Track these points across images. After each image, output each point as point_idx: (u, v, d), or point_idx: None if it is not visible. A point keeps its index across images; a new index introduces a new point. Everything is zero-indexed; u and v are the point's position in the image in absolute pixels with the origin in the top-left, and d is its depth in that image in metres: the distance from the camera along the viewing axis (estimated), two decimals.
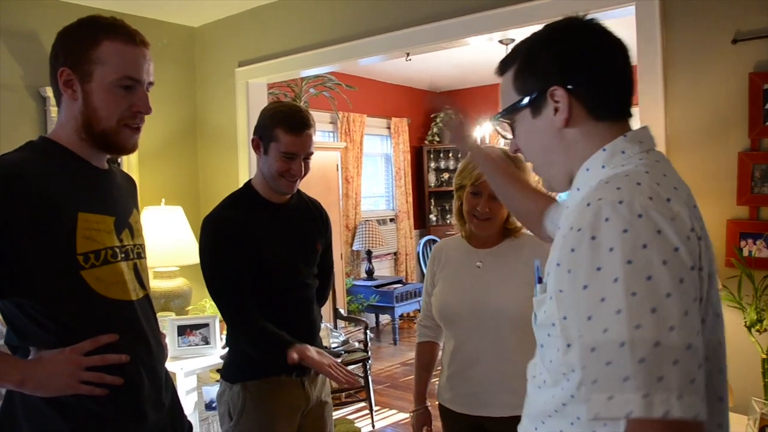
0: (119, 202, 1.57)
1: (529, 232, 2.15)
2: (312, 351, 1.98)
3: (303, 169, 2.08)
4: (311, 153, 2.10)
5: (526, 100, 1.10)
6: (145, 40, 1.49)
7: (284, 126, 2.03)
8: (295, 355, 1.93)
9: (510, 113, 1.14)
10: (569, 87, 1.06)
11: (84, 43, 1.42)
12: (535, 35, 1.13)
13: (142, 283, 1.57)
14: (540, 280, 1.11)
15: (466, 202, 2.05)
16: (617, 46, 1.09)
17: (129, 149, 1.51)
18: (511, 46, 5.83)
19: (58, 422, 1.37)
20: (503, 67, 1.16)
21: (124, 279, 1.48)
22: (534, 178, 2.09)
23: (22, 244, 1.32)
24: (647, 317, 0.85)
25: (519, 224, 2.08)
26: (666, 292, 0.86)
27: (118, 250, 1.48)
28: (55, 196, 1.37)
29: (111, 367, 1.40)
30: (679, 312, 0.86)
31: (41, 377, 1.33)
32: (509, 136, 1.19)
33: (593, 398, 0.87)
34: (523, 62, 1.11)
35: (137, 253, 1.57)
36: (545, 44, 1.10)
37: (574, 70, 1.06)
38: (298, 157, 2.05)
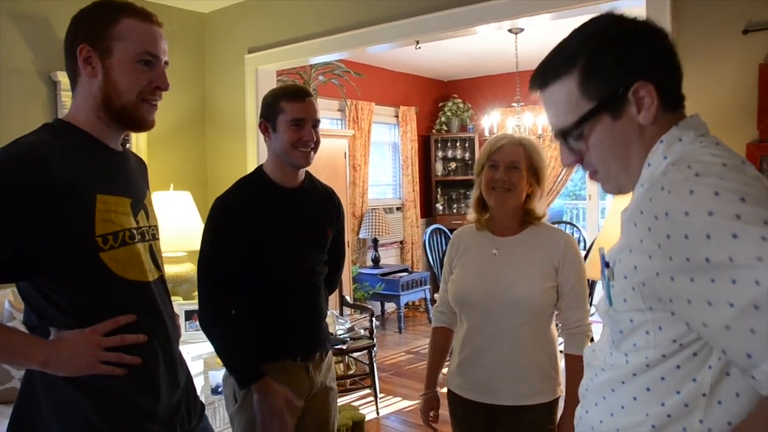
0: (135, 183, 1.59)
1: (548, 222, 2.16)
2: (272, 398, 2.00)
3: (314, 135, 2.10)
4: (318, 121, 2.13)
5: (606, 103, 1.04)
6: (159, 20, 1.53)
7: (287, 97, 2.09)
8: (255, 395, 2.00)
9: (586, 122, 1.06)
10: (652, 79, 1.02)
11: (103, 21, 1.45)
12: (581, 34, 1.08)
13: (157, 264, 1.59)
14: (607, 265, 1.07)
15: (484, 178, 2.06)
16: (663, 32, 1.08)
17: (148, 125, 1.53)
18: (520, 36, 5.78)
19: (78, 399, 1.40)
20: (549, 77, 1.10)
21: (141, 260, 1.50)
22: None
23: (42, 226, 1.33)
24: None
25: (539, 211, 2.09)
26: None
27: (135, 232, 1.50)
28: (74, 178, 1.39)
29: (128, 347, 1.43)
30: None
31: (63, 357, 1.36)
32: (575, 149, 1.11)
33: None
34: (592, 65, 1.05)
35: (152, 235, 1.59)
36: (612, 43, 1.05)
37: (650, 61, 1.04)
38: (306, 123, 2.08)
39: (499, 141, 2.07)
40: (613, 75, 1.04)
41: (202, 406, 1.72)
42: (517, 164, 2.02)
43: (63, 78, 3.50)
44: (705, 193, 0.88)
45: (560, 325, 2.08)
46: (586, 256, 3.15)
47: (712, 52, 2.28)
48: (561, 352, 2.15)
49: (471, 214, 2.18)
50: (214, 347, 2.07)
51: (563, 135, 1.10)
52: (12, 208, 1.30)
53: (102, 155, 1.51)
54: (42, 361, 1.35)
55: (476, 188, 2.13)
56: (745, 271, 0.83)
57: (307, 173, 2.25)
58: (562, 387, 2.06)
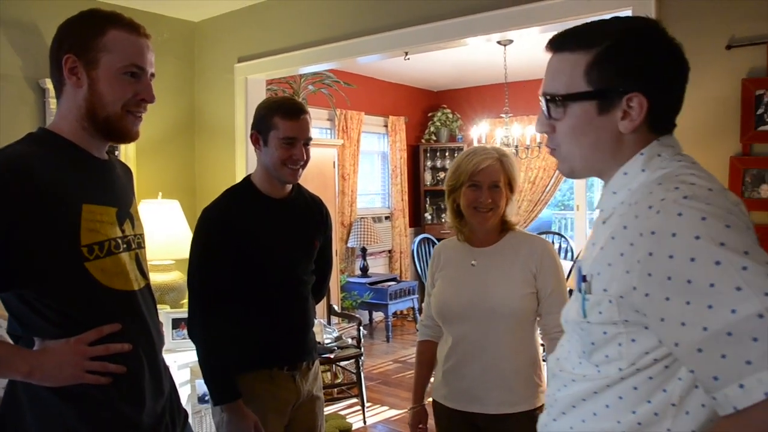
0: (120, 192, 1.58)
1: (525, 230, 2.18)
2: (241, 422, 2.01)
3: (304, 154, 2.10)
4: (310, 138, 2.13)
5: (599, 94, 1.05)
6: (147, 31, 1.52)
7: (281, 113, 2.07)
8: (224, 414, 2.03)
9: (573, 100, 1.08)
10: (650, 97, 1.03)
11: (90, 32, 1.44)
12: (616, 26, 1.08)
13: (143, 272, 1.59)
14: (584, 279, 1.08)
15: (464, 197, 2.06)
16: (687, 65, 1.09)
17: (132, 136, 1.52)
18: (509, 47, 5.82)
19: (61, 407, 1.39)
20: (566, 43, 1.10)
21: (126, 270, 1.50)
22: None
23: (28, 237, 1.33)
24: None
25: (513, 217, 2.11)
26: (765, 259, 0.88)
27: (120, 241, 1.50)
28: (59, 188, 1.39)
29: (114, 356, 1.43)
30: None
31: (48, 368, 1.35)
32: (552, 117, 1.13)
33: (752, 379, 0.83)
34: (608, 52, 1.05)
35: (138, 243, 1.59)
36: (637, 42, 1.06)
37: (662, 81, 1.05)
38: (298, 142, 2.08)
39: (483, 161, 2.04)
40: (621, 75, 1.04)
41: (186, 413, 1.72)
42: (498, 183, 2.03)
43: (51, 85, 3.49)
44: (693, 217, 0.90)
45: (541, 330, 2.09)
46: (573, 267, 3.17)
47: (696, 66, 2.28)
48: (544, 360, 2.15)
49: (449, 224, 2.18)
50: (197, 357, 2.07)
51: (548, 99, 1.11)
52: None
53: (87, 165, 1.50)
54: (27, 372, 1.35)
55: (451, 202, 2.12)
56: (723, 298, 0.86)
57: (296, 183, 2.25)
58: None
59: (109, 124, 1.47)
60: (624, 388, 1.02)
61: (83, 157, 1.50)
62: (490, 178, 2.03)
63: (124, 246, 1.52)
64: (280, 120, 2.06)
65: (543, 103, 1.13)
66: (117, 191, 1.57)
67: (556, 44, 1.12)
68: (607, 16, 2.57)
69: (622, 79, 1.04)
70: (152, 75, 1.52)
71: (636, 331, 0.99)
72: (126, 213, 1.57)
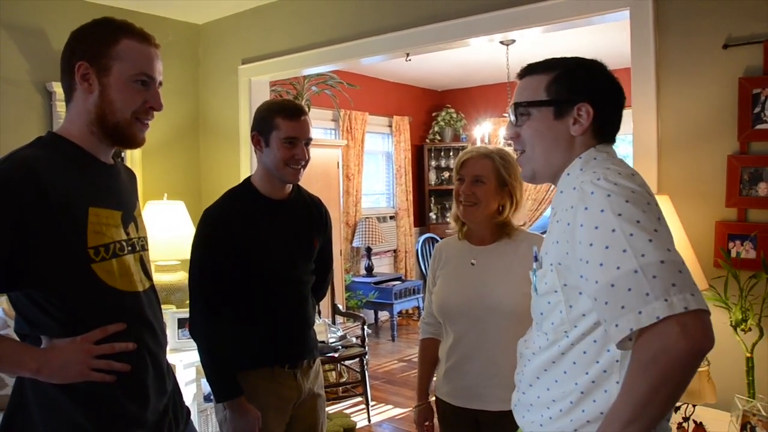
0: (125, 196, 1.62)
1: (526, 229, 2.21)
2: (243, 418, 2.05)
3: (306, 154, 2.13)
4: (311, 139, 2.16)
5: (556, 102, 1.31)
6: (157, 41, 1.57)
7: (282, 113, 2.10)
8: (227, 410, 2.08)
9: (535, 106, 1.33)
10: (595, 108, 1.29)
11: (103, 40, 1.49)
12: (571, 59, 1.36)
13: (147, 274, 1.63)
14: (536, 259, 1.34)
15: (454, 191, 2.11)
16: (624, 95, 1.36)
17: (139, 142, 1.57)
18: (512, 47, 5.83)
19: (67, 404, 1.43)
20: (531, 70, 1.37)
21: (131, 271, 1.54)
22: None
23: (36, 239, 1.36)
24: (648, 246, 1.07)
25: (512, 222, 2.13)
26: (653, 228, 1.10)
27: (125, 244, 1.54)
28: (67, 192, 1.42)
29: (118, 355, 1.46)
30: (668, 241, 1.11)
31: (55, 365, 1.39)
32: (517, 123, 1.37)
33: (623, 320, 1.06)
34: (563, 73, 1.32)
35: (142, 246, 1.63)
36: (586, 68, 1.34)
37: (604, 97, 1.32)
38: (299, 142, 2.11)
39: (466, 154, 2.10)
40: (573, 89, 1.31)
41: (188, 410, 1.75)
42: (483, 178, 2.05)
43: (58, 88, 3.53)
44: (601, 194, 1.14)
45: None
46: None
47: (693, 65, 2.33)
48: None
49: (451, 223, 2.22)
50: (199, 356, 2.11)
51: (515, 107, 1.36)
52: (5, 221, 1.33)
53: (94, 169, 1.54)
54: (35, 369, 1.38)
55: (455, 198, 2.17)
56: (612, 257, 1.09)
57: (296, 184, 2.28)
58: None
59: (118, 130, 1.51)
60: (576, 354, 1.24)
61: (90, 161, 1.54)
62: (473, 172, 2.06)
63: (129, 248, 1.56)
64: (282, 120, 2.09)
65: (511, 112, 1.37)
66: (122, 195, 1.61)
67: (523, 72, 1.39)
68: (606, 17, 2.62)
69: (574, 92, 1.30)
70: (160, 83, 1.57)
71: (573, 297, 1.22)
72: (130, 216, 1.61)
